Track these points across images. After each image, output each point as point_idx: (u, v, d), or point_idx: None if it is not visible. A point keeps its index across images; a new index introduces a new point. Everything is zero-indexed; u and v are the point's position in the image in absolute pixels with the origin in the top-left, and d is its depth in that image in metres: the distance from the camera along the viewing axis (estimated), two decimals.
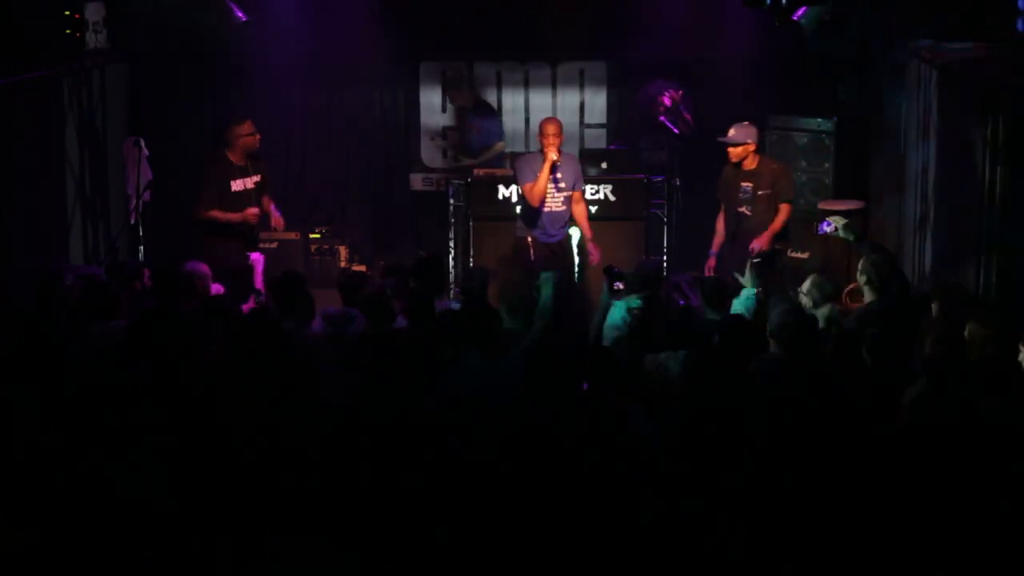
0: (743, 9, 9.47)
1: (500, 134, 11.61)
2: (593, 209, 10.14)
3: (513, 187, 10.22)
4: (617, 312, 7.11)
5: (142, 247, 9.83)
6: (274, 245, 9.93)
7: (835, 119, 10.84)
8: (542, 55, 11.77)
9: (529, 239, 9.31)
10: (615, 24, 11.30)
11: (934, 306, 6.72)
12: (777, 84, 11.10)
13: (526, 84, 11.88)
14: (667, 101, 10.82)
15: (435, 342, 6.24)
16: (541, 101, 11.81)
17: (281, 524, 4.32)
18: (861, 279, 7.19)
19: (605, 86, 11.86)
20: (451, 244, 10.97)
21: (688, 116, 10.84)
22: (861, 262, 7.26)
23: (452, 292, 9.62)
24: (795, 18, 9.45)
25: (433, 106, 11.87)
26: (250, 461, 4.68)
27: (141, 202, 9.68)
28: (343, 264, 11.45)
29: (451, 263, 10.63)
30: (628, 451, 4.91)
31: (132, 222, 9.80)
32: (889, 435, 5.11)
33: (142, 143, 9.68)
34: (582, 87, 11.90)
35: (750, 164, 9.27)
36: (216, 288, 7.82)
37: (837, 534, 4.41)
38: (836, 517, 4.47)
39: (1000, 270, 7.41)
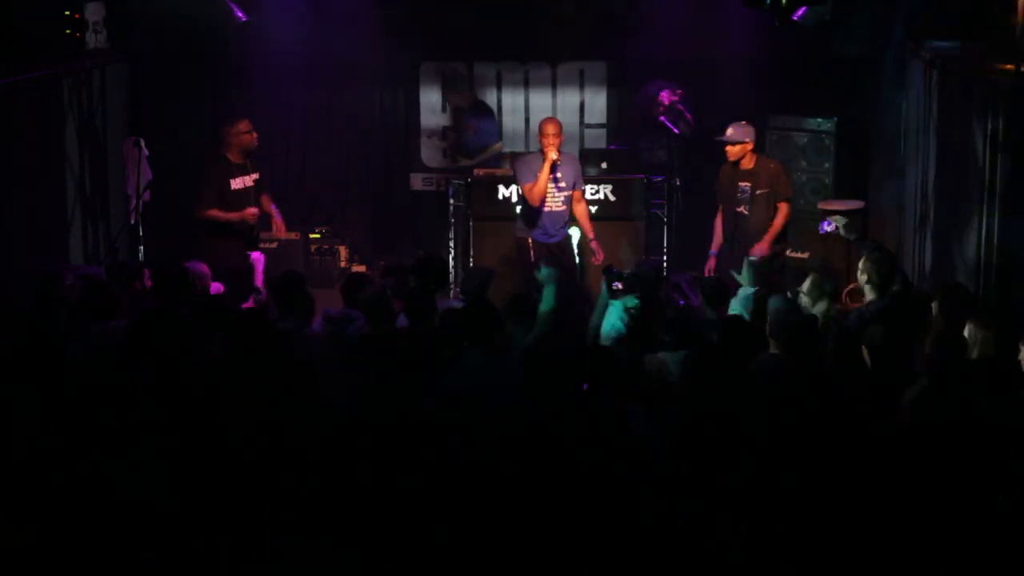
0: (743, 9, 9.47)
1: (497, 135, 11.59)
2: (593, 209, 10.14)
3: (513, 187, 10.22)
4: (615, 312, 7.11)
5: (142, 247, 9.83)
6: (274, 245, 9.93)
7: (835, 119, 10.84)
8: (542, 55, 11.77)
9: (529, 240, 9.31)
10: (615, 24, 11.30)
11: (934, 306, 6.72)
12: (777, 84, 11.10)
13: (526, 84, 11.88)
14: (667, 101, 10.82)
15: (436, 342, 6.24)
16: (541, 101, 11.81)
17: (281, 524, 4.32)
18: (862, 278, 7.19)
19: (605, 86, 11.86)
20: (451, 244, 10.97)
21: (688, 116, 10.84)
22: (862, 261, 7.26)
23: (452, 292, 9.61)
24: (795, 18, 9.45)
25: (433, 106, 11.86)
26: (250, 461, 4.68)
27: (141, 202, 9.68)
28: (343, 264, 11.46)
29: (451, 263, 10.62)
30: (628, 451, 4.91)
31: (132, 222, 9.80)
32: (889, 435, 5.11)
33: (142, 143, 9.67)
34: (582, 87, 11.90)
35: (747, 164, 9.27)
36: (216, 287, 7.82)
37: (837, 534, 4.41)
38: (836, 517, 4.47)
39: (1000, 270, 7.40)
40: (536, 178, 9.08)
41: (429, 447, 4.76)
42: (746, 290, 7.43)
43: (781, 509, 4.50)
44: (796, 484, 4.64)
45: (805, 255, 10.65)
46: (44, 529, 4.29)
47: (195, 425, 4.93)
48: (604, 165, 10.73)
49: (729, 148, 9.23)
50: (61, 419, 4.92)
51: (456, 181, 11.05)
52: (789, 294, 7.42)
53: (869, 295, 7.14)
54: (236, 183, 9.12)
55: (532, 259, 9.16)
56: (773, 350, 6.17)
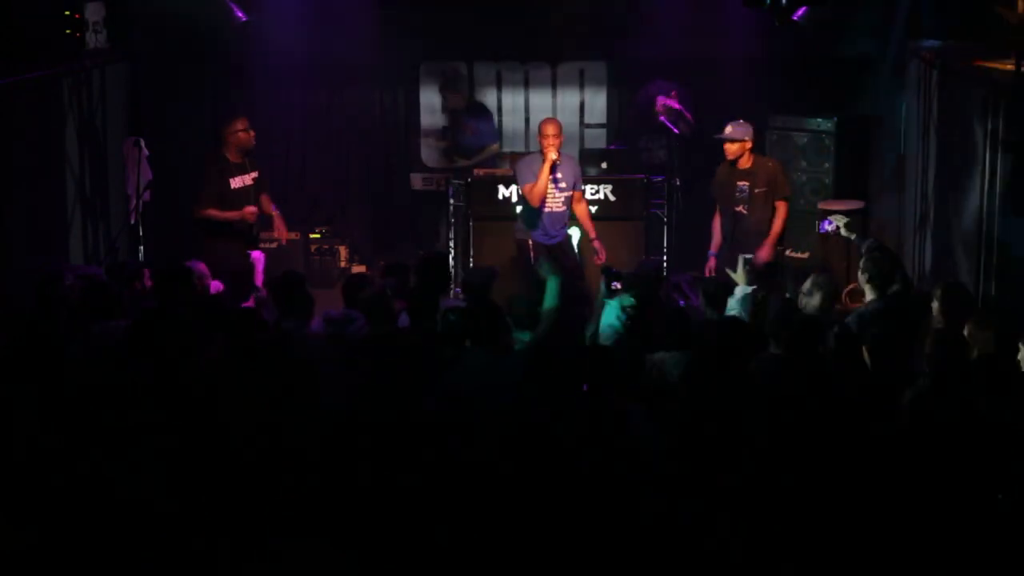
0: (743, 9, 9.48)
1: (494, 136, 11.57)
2: (593, 209, 10.14)
3: (513, 187, 10.22)
4: (611, 311, 7.12)
5: (142, 247, 9.83)
6: (274, 245, 9.94)
7: (835, 119, 10.84)
8: (542, 55, 11.77)
9: (530, 241, 9.30)
10: (615, 24, 11.30)
11: (934, 306, 6.72)
12: (777, 84, 11.10)
13: (526, 84, 11.89)
14: (668, 102, 10.82)
15: (437, 341, 6.24)
16: (541, 101, 11.81)
17: (281, 524, 4.32)
18: (863, 277, 7.19)
19: (605, 86, 11.87)
20: (451, 244, 10.98)
21: (688, 116, 10.84)
22: (863, 260, 7.26)
23: (453, 292, 9.61)
24: (795, 18, 9.45)
25: (433, 106, 11.87)
26: (250, 461, 4.68)
27: (141, 202, 9.68)
28: (343, 264, 11.46)
29: (451, 263, 10.62)
30: (628, 451, 4.91)
31: (132, 222, 9.80)
32: (889, 435, 5.10)
33: (142, 143, 9.68)
34: (582, 87, 11.91)
35: (745, 163, 9.27)
36: (216, 286, 7.82)
37: (837, 534, 4.41)
38: (836, 517, 4.47)
39: (1000, 270, 7.41)
40: (536, 179, 9.08)
41: (429, 447, 4.76)
42: (743, 289, 7.43)
43: (781, 509, 4.50)
44: (796, 484, 4.64)
45: (805, 255, 10.65)
46: (44, 529, 4.28)
47: (195, 425, 4.93)
48: (604, 165, 10.73)
49: (728, 146, 9.22)
50: (61, 419, 4.92)
51: (456, 181, 11.05)
52: (788, 295, 7.43)
53: (869, 294, 7.14)
54: (235, 182, 9.13)
55: (532, 260, 9.16)
56: (773, 350, 6.17)
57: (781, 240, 9.39)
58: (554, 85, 11.89)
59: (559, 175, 9.19)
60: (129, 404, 5.07)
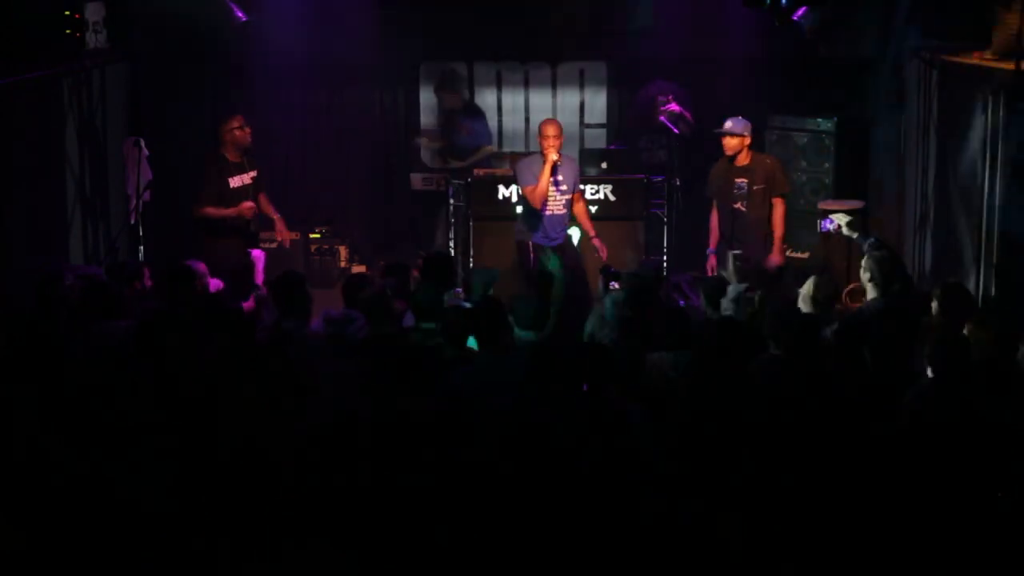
0: (743, 9, 9.48)
1: (489, 136, 11.55)
2: (593, 209, 10.14)
3: (513, 187, 10.22)
4: (607, 309, 7.13)
5: (142, 247, 9.83)
6: (274, 245, 9.94)
7: (835, 119, 10.84)
8: (542, 55, 11.77)
9: (530, 243, 9.29)
10: (615, 24, 11.30)
11: (934, 306, 6.72)
12: (777, 84, 11.10)
13: (526, 84, 11.89)
14: (669, 107, 10.82)
15: (439, 341, 6.24)
16: (541, 101, 11.81)
17: (281, 524, 4.32)
18: (864, 276, 7.19)
19: (605, 86, 11.87)
20: (451, 244, 10.98)
21: (688, 116, 10.84)
22: (864, 259, 7.26)
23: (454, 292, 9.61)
24: (795, 18, 9.45)
25: (433, 106, 11.87)
26: (250, 461, 4.68)
27: (141, 202, 9.68)
28: (343, 264, 11.46)
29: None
30: (628, 451, 4.91)
31: (132, 222, 9.80)
32: (889, 435, 5.10)
33: (142, 143, 9.67)
34: (582, 87, 11.91)
35: (743, 159, 9.26)
36: (215, 284, 7.82)
37: (837, 534, 4.41)
38: (836, 517, 4.47)
39: (1000, 270, 7.41)
40: (537, 180, 9.07)
41: (429, 447, 4.76)
42: (735, 288, 7.42)
43: (781, 509, 4.50)
44: (796, 484, 4.64)
45: (805, 255, 10.65)
46: (44, 529, 4.28)
47: (195, 425, 4.93)
48: (604, 165, 10.73)
49: (727, 141, 9.20)
50: (61, 419, 4.92)
51: (456, 181, 11.05)
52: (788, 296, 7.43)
53: (871, 293, 7.14)
54: (234, 181, 9.15)
55: (533, 262, 9.15)
56: (773, 351, 6.17)
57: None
58: (554, 85, 11.89)
59: (560, 177, 9.18)
60: (129, 404, 5.07)
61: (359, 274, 9.60)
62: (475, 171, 10.82)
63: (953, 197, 8.35)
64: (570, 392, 5.37)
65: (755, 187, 9.21)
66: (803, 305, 7.06)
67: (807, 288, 7.16)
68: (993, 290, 7.42)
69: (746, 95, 10.82)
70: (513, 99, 11.86)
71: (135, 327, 5.87)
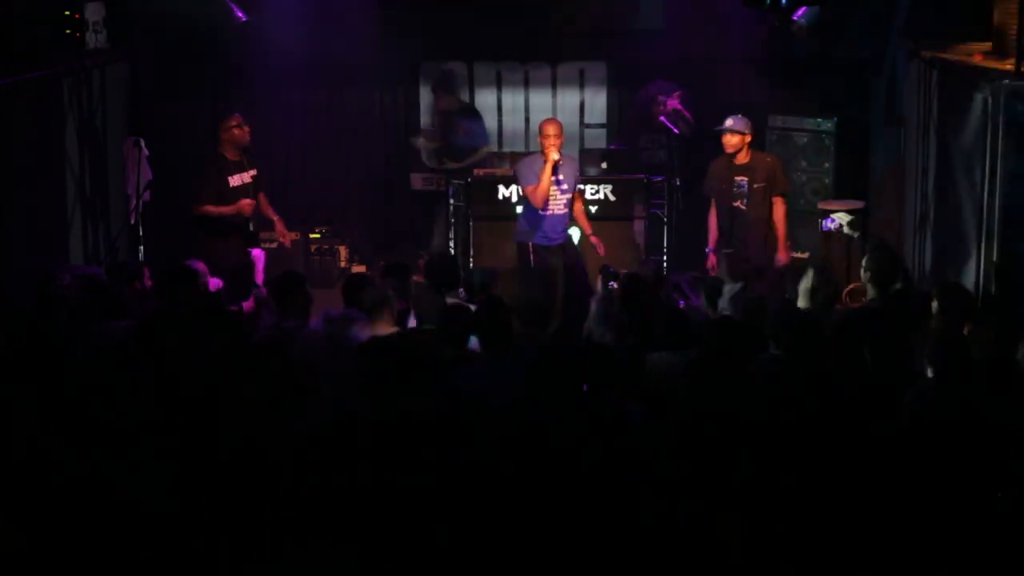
0: (743, 9, 9.49)
1: (486, 137, 11.53)
2: (593, 209, 10.14)
3: (513, 187, 10.22)
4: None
5: (142, 247, 9.84)
6: (274, 245, 9.95)
7: (835, 119, 10.84)
8: (542, 55, 11.77)
9: (530, 245, 9.28)
10: (615, 24, 11.30)
11: (934, 306, 6.72)
12: (777, 84, 11.10)
13: (526, 84, 11.89)
14: (668, 101, 10.82)
15: (441, 341, 6.24)
16: (541, 101, 11.81)
17: (281, 524, 4.32)
18: (865, 276, 7.20)
19: (605, 86, 11.87)
20: (451, 244, 10.98)
21: (688, 116, 10.84)
22: (865, 259, 7.27)
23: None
24: (795, 18, 9.45)
25: (433, 106, 11.86)
26: (250, 461, 4.68)
27: (141, 202, 9.68)
28: (343, 264, 11.46)
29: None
30: (628, 451, 4.90)
31: (132, 222, 9.81)
32: (889, 435, 5.10)
33: (142, 143, 9.68)
34: (582, 87, 11.91)
35: (743, 158, 9.26)
36: (215, 283, 7.82)
37: (837, 534, 4.41)
38: (836, 517, 4.47)
39: (1000, 270, 7.40)
40: (538, 180, 9.06)
41: (429, 447, 4.76)
42: (731, 288, 7.43)
43: (781, 509, 4.50)
44: (796, 484, 4.64)
45: (805, 255, 10.65)
46: (44, 529, 4.28)
47: (195, 425, 4.93)
48: (604, 165, 10.73)
49: (728, 138, 9.20)
50: (61, 419, 4.92)
51: (456, 181, 11.05)
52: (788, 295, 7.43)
53: (872, 292, 7.14)
54: (234, 180, 9.16)
55: (532, 263, 9.15)
56: (773, 351, 6.17)
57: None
58: (554, 85, 11.89)
59: (561, 176, 9.17)
60: (129, 404, 5.07)
61: (359, 274, 9.60)
62: (475, 171, 10.82)
63: (953, 197, 8.35)
64: (570, 392, 5.37)
65: (755, 185, 9.20)
66: (803, 299, 7.06)
67: (805, 282, 7.16)
68: (993, 290, 7.42)
69: (746, 95, 10.83)
70: (513, 99, 11.86)
71: (135, 327, 5.87)
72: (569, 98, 11.87)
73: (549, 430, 4.91)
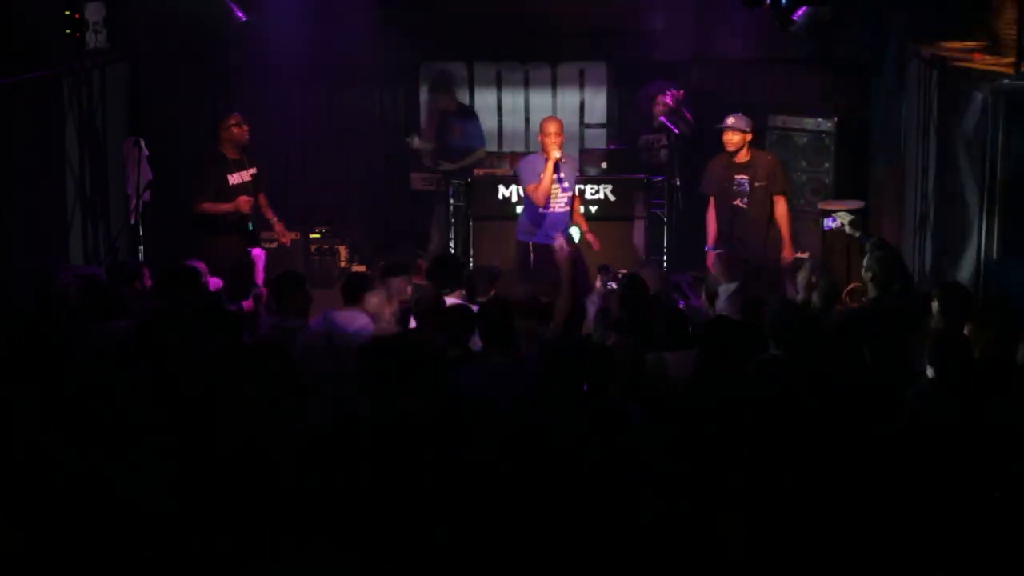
0: (743, 9, 9.48)
1: (481, 139, 11.51)
2: (593, 209, 10.13)
3: (513, 187, 10.21)
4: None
5: (142, 247, 9.84)
6: (274, 245, 9.95)
7: (835, 119, 10.84)
8: (542, 55, 11.78)
9: (531, 244, 9.28)
10: (615, 24, 11.31)
11: (934, 306, 6.72)
12: (777, 84, 11.10)
13: (526, 84, 11.89)
14: (668, 101, 10.83)
15: (442, 342, 6.24)
16: (541, 101, 11.82)
17: (281, 524, 4.32)
18: (866, 275, 7.20)
19: (605, 86, 11.87)
20: (451, 244, 10.97)
21: (688, 116, 10.85)
22: (866, 258, 7.27)
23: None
24: (795, 18, 9.45)
25: (428, 106, 11.86)
26: (250, 461, 4.68)
27: (141, 202, 9.68)
28: (343, 264, 11.46)
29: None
30: (628, 451, 4.90)
31: (132, 222, 9.80)
32: (889, 435, 5.10)
33: (142, 143, 9.68)
34: (582, 87, 11.92)
35: (743, 156, 9.26)
36: (214, 283, 7.83)
37: (838, 534, 4.41)
38: (836, 517, 4.47)
39: (1000, 270, 7.40)
40: (540, 178, 9.06)
41: (429, 447, 4.76)
42: (726, 288, 7.44)
43: (781, 509, 4.50)
44: (796, 484, 4.64)
45: (805, 255, 10.65)
46: (44, 529, 4.28)
47: (195, 425, 4.93)
48: (604, 165, 10.73)
49: (729, 137, 9.19)
50: (61, 419, 4.92)
51: (456, 181, 11.05)
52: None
53: (873, 291, 7.14)
54: (233, 178, 9.19)
55: (533, 263, 9.15)
56: (773, 351, 6.17)
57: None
58: (554, 85, 11.90)
59: (562, 174, 9.18)
60: (129, 404, 5.07)
61: (359, 273, 9.61)
62: (475, 171, 10.82)
63: (953, 197, 8.35)
64: (570, 392, 5.37)
65: (757, 184, 9.20)
66: (802, 292, 7.07)
67: (803, 274, 7.17)
68: (993, 290, 7.42)
69: (746, 95, 10.83)
70: (513, 99, 11.87)
71: (135, 327, 5.87)
72: (569, 98, 11.87)
73: (549, 430, 4.91)
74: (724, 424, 5.05)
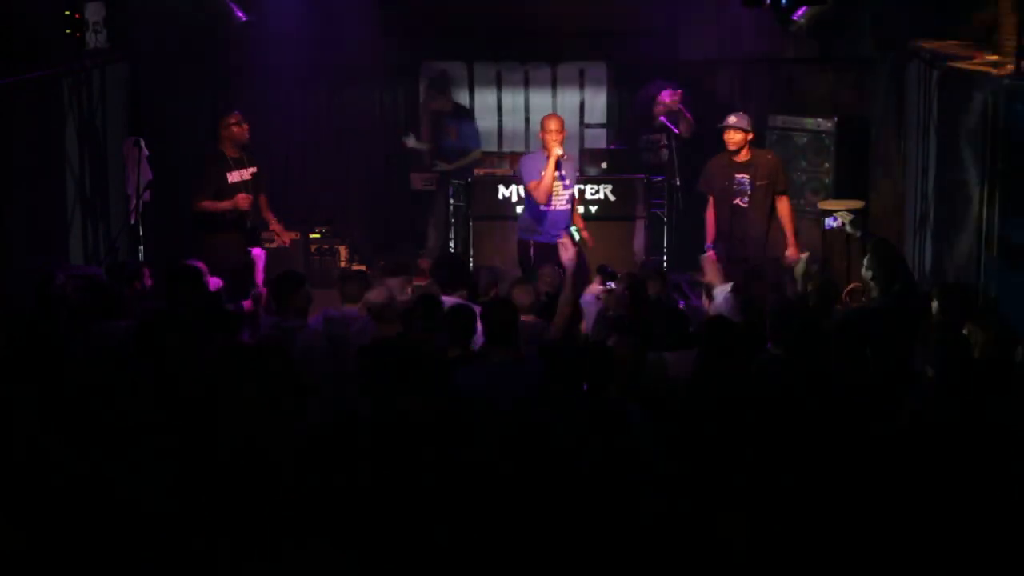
0: (743, 9, 9.48)
1: (477, 140, 11.50)
2: (593, 209, 10.13)
3: (513, 187, 10.21)
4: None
5: (142, 247, 9.83)
6: (274, 244, 9.95)
7: (835, 119, 10.84)
8: (542, 55, 11.78)
9: (531, 242, 9.29)
10: (615, 24, 11.31)
11: (934, 306, 6.73)
12: (777, 84, 11.10)
13: (526, 84, 11.89)
14: (668, 101, 10.82)
15: (443, 341, 6.24)
16: (541, 101, 11.82)
17: (281, 524, 4.32)
18: (866, 275, 7.20)
19: (605, 86, 11.88)
20: (451, 244, 10.97)
21: (688, 116, 10.85)
22: (867, 258, 7.27)
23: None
24: (795, 18, 9.45)
25: (425, 106, 11.85)
26: (250, 461, 4.68)
27: (141, 202, 9.68)
28: (343, 264, 11.45)
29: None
30: (628, 451, 4.90)
31: (132, 222, 9.80)
32: (889, 435, 5.11)
33: (142, 143, 9.68)
34: (582, 87, 11.92)
35: (744, 156, 9.25)
36: (214, 282, 7.83)
37: (838, 534, 4.41)
38: (837, 517, 4.47)
39: (1000, 270, 7.40)
40: (541, 176, 9.06)
41: (429, 447, 4.76)
42: (722, 289, 7.44)
43: (782, 509, 4.50)
44: (797, 484, 4.64)
45: (805, 255, 10.65)
46: (44, 529, 4.28)
47: (195, 425, 4.93)
48: (604, 165, 10.73)
49: (731, 136, 9.18)
50: (61, 419, 4.92)
51: (456, 181, 11.05)
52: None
53: (872, 292, 7.14)
54: (233, 176, 9.20)
55: (533, 262, 9.15)
56: (774, 350, 6.17)
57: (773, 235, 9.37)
58: (554, 85, 11.90)
59: (564, 172, 9.18)
60: (129, 404, 5.07)
61: (356, 271, 9.62)
62: (475, 171, 10.81)
63: (953, 197, 8.35)
64: (570, 392, 5.37)
65: (758, 183, 9.19)
66: (799, 283, 7.09)
67: (799, 267, 7.18)
68: (993, 291, 7.42)
69: (746, 95, 10.83)
70: (513, 99, 11.87)
71: (135, 327, 5.87)
72: (569, 98, 11.87)
73: (549, 430, 4.92)
74: (724, 424, 5.05)
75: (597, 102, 11.90)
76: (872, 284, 7.14)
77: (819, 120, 10.86)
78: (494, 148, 11.74)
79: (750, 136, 9.23)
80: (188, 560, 4.20)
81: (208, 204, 9.06)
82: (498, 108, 11.86)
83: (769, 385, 5.70)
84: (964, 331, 6.18)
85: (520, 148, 11.48)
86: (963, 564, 4.36)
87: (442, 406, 5.31)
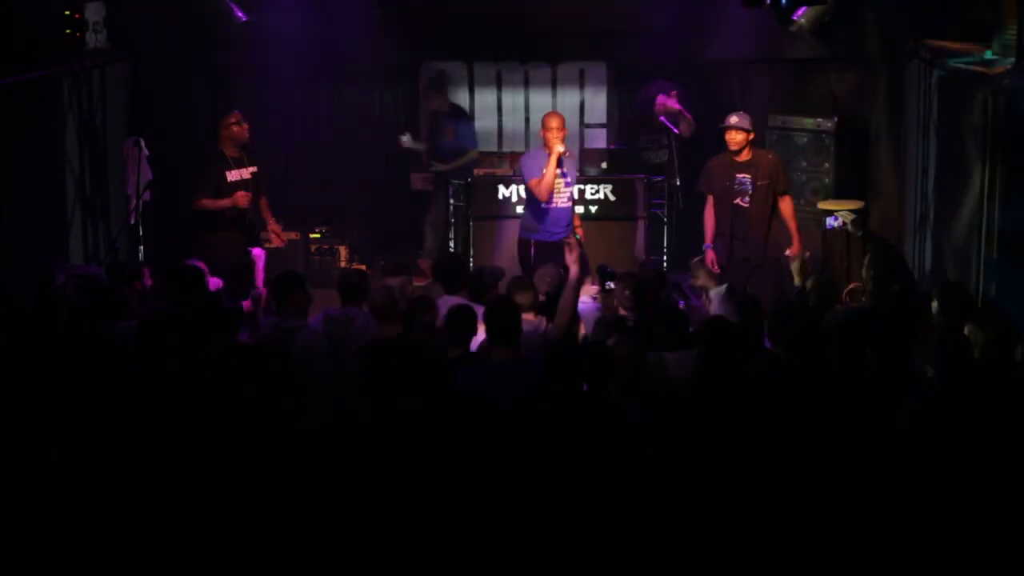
0: (743, 9, 9.48)
1: (474, 140, 11.49)
2: (593, 209, 10.12)
3: (513, 187, 10.21)
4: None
5: (142, 247, 9.83)
6: (272, 245, 9.94)
7: (835, 119, 10.84)
8: (542, 55, 11.78)
9: (532, 241, 9.28)
10: (615, 24, 11.31)
11: (934, 306, 6.73)
12: (777, 84, 11.10)
13: (526, 84, 11.89)
14: (668, 101, 10.82)
15: (443, 341, 6.24)
16: (541, 101, 11.82)
17: (281, 524, 4.32)
18: (866, 275, 7.20)
19: (605, 86, 11.88)
20: (451, 244, 10.97)
21: (688, 116, 10.85)
22: (867, 257, 7.27)
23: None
24: (795, 18, 9.45)
25: (422, 106, 11.85)
26: (250, 461, 4.68)
27: (141, 202, 9.68)
28: (343, 264, 11.45)
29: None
30: (628, 451, 4.91)
31: (132, 222, 9.80)
32: (889, 435, 5.10)
33: (142, 143, 9.67)
34: (582, 87, 11.92)
35: (745, 155, 9.24)
36: (215, 282, 7.83)
37: (838, 534, 4.41)
38: (837, 517, 4.47)
39: (1000, 270, 7.40)
40: (543, 173, 9.06)
41: (429, 447, 4.76)
42: (718, 291, 7.45)
43: (781, 509, 4.50)
44: (796, 484, 4.64)
45: (807, 253, 10.65)
46: (44, 529, 4.28)
47: (195, 425, 4.93)
48: (604, 165, 10.73)
49: (733, 135, 9.17)
50: (61, 419, 4.92)
51: (456, 181, 11.05)
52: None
53: (872, 292, 7.15)
54: (232, 175, 9.22)
55: (533, 261, 9.15)
56: (773, 350, 6.17)
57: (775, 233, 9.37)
58: (554, 85, 11.90)
59: (565, 169, 9.18)
60: (129, 404, 5.07)
61: (355, 271, 9.61)
62: (475, 171, 10.81)
63: (953, 197, 8.35)
64: (570, 392, 5.37)
65: (759, 182, 9.19)
66: (797, 278, 7.10)
67: (796, 263, 7.19)
68: (993, 290, 7.42)
69: (746, 95, 10.83)
70: (513, 99, 11.87)
71: (135, 327, 5.87)
72: (569, 98, 11.87)
73: (549, 430, 4.92)
74: (724, 424, 5.05)
75: (597, 102, 11.90)
76: (871, 284, 7.14)
77: (819, 120, 10.86)
78: (494, 148, 11.75)
79: (751, 136, 9.23)
80: (188, 560, 4.20)
81: (207, 202, 9.08)
82: (498, 108, 11.85)
83: (769, 385, 5.70)
84: (964, 331, 6.18)
85: (520, 148, 11.48)
86: (963, 564, 4.36)
87: (442, 406, 5.31)
